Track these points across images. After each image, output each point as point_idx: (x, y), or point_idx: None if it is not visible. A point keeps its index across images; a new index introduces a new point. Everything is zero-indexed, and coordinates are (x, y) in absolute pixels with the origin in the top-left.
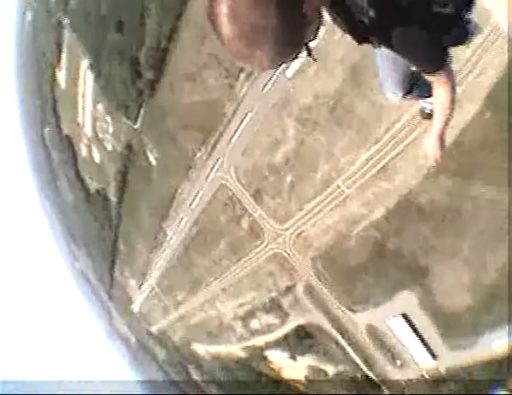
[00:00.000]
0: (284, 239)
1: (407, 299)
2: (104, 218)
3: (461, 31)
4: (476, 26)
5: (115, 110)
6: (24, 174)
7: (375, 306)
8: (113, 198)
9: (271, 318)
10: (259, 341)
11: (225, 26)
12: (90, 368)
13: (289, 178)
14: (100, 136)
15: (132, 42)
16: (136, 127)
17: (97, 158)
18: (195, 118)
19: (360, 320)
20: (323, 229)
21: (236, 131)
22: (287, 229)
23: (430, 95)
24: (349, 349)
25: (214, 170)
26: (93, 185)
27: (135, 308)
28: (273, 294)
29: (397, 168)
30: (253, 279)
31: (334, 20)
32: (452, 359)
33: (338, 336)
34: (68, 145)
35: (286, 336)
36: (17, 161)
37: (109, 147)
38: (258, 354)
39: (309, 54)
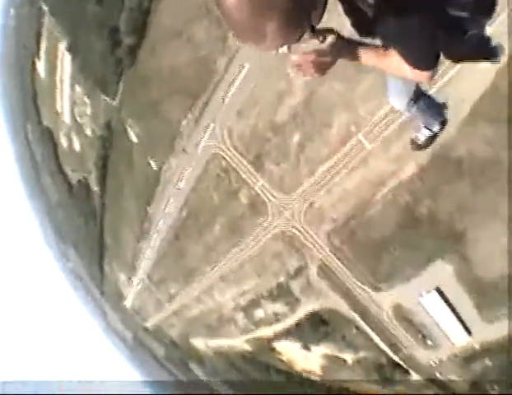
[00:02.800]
0: (292, 212)
1: (442, 270)
2: (88, 211)
3: (483, 43)
4: (499, 47)
5: (93, 88)
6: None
7: (405, 281)
8: (95, 188)
9: (278, 306)
10: (266, 332)
11: None
12: (90, 368)
13: (296, 138)
14: (79, 120)
15: (111, 11)
16: (115, 103)
17: (77, 146)
18: (180, 80)
19: (385, 299)
20: (341, 195)
21: (230, 88)
22: (296, 199)
23: (437, 117)
24: (372, 333)
25: (204, 138)
26: (75, 177)
27: (127, 303)
28: (281, 278)
29: None
30: (257, 263)
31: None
32: (487, 333)
33: (359, 320)
34: (49, 137)
35: (297, 325)
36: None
37: (89, 132)
38: (266, 346)
39: (316, 36)
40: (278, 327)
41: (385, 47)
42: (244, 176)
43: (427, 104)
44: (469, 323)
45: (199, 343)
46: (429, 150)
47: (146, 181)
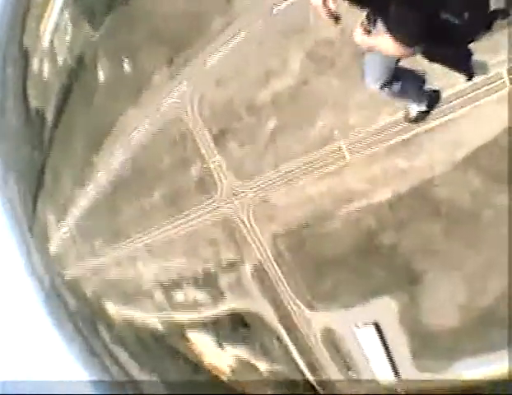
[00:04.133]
0: (242, 201)
1: (386, 307)
2: (37, 141)
3: (464, 57)
4: (481, 65)
5: (80, 17)
6: None
7: (344, 308)
8: (49, 121)
9: (201, 295)
10: (182, 317)
11: None
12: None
13: (272, 124)
14: (56, 47)
15: None
16: (95, 37)
17: (46, 72)
18: (168, 31)
19: (317, 320)
20: (301, 199)
21: (218, 51)
22: (251, 189)
23: (416, 97)
24: (293, 349)
25: (172, 96)
26: (34, 104)
27: (51, 247)
28: (210, 266)
29: (423, 146)
30: (189, 243)
31: None
32: (416, 380)
33: (283, 333)
34: (24, 59)
35: (215, 320)
36: None
37: (61, 61)
38: (178, 331)
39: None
40: (196, 315)
41: (371, 18)
42: (201, 148)
43: (405, 87)
44: (400, 367)
45: (111, 307)
46: (409, 181)
47: (100, 126)
